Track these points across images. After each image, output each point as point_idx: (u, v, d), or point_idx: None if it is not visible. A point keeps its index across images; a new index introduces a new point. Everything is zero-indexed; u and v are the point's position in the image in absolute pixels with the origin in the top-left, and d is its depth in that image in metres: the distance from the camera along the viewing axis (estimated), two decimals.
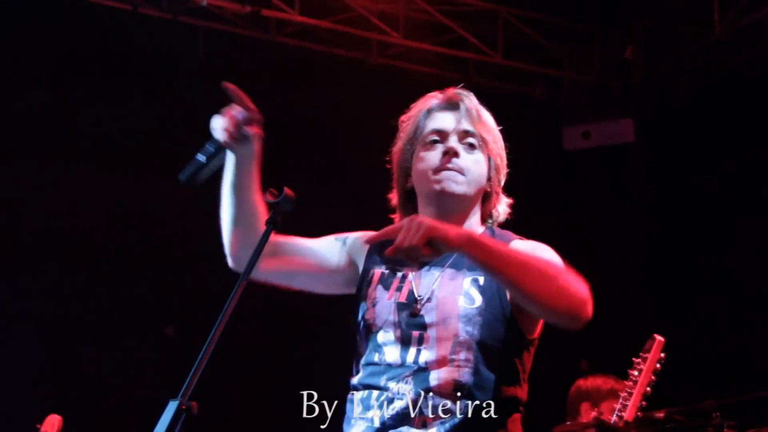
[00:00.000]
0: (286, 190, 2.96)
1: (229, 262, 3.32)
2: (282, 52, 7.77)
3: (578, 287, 2.90)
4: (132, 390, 6.45)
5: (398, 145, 3.24)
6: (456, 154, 3.10)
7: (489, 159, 3.16)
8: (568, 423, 5.70)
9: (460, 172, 3.11)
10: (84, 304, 7.22)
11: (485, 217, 3.22)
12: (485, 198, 3.21)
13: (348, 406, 3.12)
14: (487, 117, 3.22)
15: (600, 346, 7.39)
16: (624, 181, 8.30)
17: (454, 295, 3.01)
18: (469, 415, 2.96)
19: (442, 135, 3.14)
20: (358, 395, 3.07)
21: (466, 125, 3.16)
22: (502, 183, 3.22)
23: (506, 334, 3.02)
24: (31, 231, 7.10)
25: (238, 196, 3.24)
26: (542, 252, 3.03)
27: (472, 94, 3.24)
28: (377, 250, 3.23)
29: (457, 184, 3.12)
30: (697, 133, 7.99)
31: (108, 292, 7.31)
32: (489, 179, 3.17)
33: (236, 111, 3.13)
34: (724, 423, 4.88)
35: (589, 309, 2.92)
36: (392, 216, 3.31)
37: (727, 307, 7.51)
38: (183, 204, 7.51)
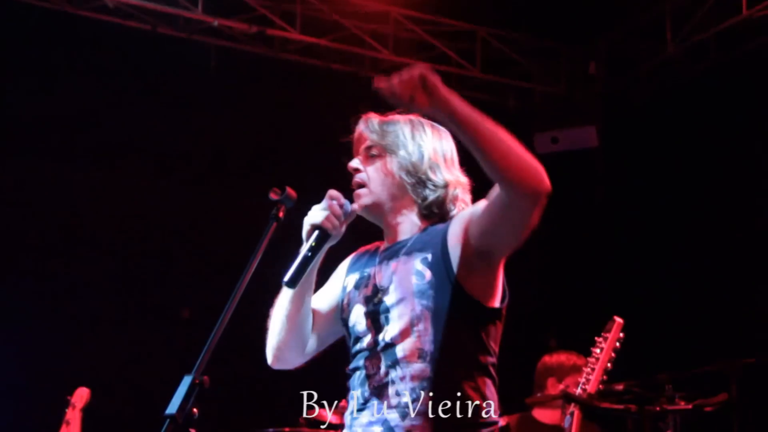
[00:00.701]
0: (288, 189, 2.96)
1: (271, 360, 3.21)
2: (285, 67, 7.76)
3: (536, 161, 2.79)
4: (151, 366, 6.44)
5: None
6: (355, 171, 3.13)
7: (395, 156, 3.12)
8: (538, 395, 5.71)
9: (362, 184, 3.11)
10: (109, 289, 7.22)
11: (422, 204, 3.13)
12: (418, 188, 3.13)
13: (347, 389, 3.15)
14: (389, 122, 3.17)
15: (567, 326, 7.41)
16: (589, 181, 8.31)
17: (408, 275, 3.01)
18: (435, 377, 2.93)
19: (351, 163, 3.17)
20: (350, 380, 3.10)
21: (366, 143, 3.17)
22: (429, 166, 3.11)
23: (458, 302, 2.97)
24: (61, 223, 7.09)
25: (305, 295, 3.14)
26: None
27: (374, 114, 3.20)
28: (352, 264, 3.25)
29: (361, 197, 3.13)
30: (653, 138, 8.01)
31: (130, 279, 7.31)
32: (408, 173, 3.11)
33: (336, 198, 3.05)
34: (675, 394, 4.89)
35: (546, 180, 2.81)
36: None
37: (678, 292, 7.53)
38: (197, 199, 7.53)
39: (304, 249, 2.99)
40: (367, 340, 3.03)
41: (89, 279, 7.14)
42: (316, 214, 3.03)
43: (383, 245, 3.23)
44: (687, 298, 7.44)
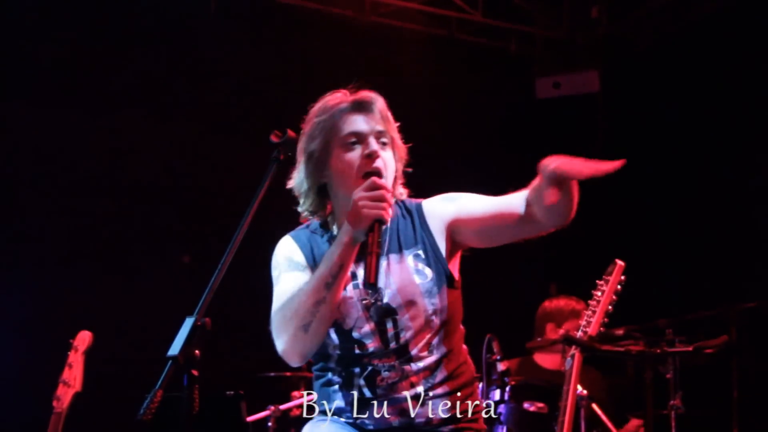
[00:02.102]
0: (289, 132, 2.96)
1: (296, 361, 3.04)
2: (283, 10, 7.68)
3: None
4: (153, 310, 6.45)
5: (314, 142, 3.11)
6: (378, 157, 3.05)
7: (395, 155, 3.13)
8: (539, 339, 5.73)
9: (382, 171, 3.04)
10: (112, 235, 7.21)
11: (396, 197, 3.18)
12: (397, 183, 3.18)
13: (321, 380, 3.14)
14: (390, 115, 3.16)
15: (568, 270, 7.42)
16: (590, 126, 8.27)
17: (409, 276, 3.05)
18: (444, 363, 3.08)
19: (360, 137, 3.06)
20: (336, 373, 3.09)
21: (379, 127, 3.09)
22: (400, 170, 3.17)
23: (452, 288, 3.11)
24: (64, 169, 7.07)
25: (339, 289, 2.98)
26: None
27: (376, 95, 3.16)
28: (308, 252, 3.19)
29: (387, 190, 3.06)
30: (654, 83, 7.97)
31: (133, 226, 7.30)
32: (395, 175, 3.15)
33: (385, 187, 2.96)
34: (675, 338, 4.91)
35: None
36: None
37: (679, 237, 7.53)
38: (199, 147, 7.50)
39: (375, 245, 2.84)
40: (374, 344, 3.05)
41: (92, 224, 7.13)
42: (374, 209, 2.88)
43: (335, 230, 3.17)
44: (688, 243, 7.44)
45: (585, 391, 5.17)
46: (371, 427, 3.05)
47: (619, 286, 4.37)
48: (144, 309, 6.84)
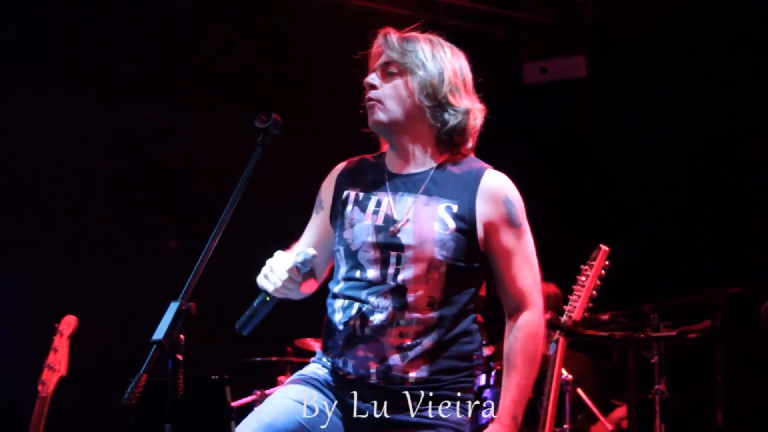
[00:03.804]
0: (275, 116, 2.95)
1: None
2: None
3: (542, 341, 3.14)
4: (140, 294, 6.45)
5: None
6: (371, 88, 3.10)
7: (415, 76, 3.08)
8: None
9: (378, 101, 3.07)
10: (99, 221, 7.21)
11: (441, 129, 3.12)
12: (437, 111, 3.10)
13: (329, 310, 3.13)
14: (409, 39, 3.14)
15: (553, 255, 7.41)
16: (576, 111, 8.28)
17: (430, 220, 3.00)
18: (440, 324, 3.00)
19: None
20: (339, 303, 3.08)
21: (383, 59, 3.13)
22: (449, 89, 3.10)
23: (472, 255, 3.05)
24: (48, 152, 7.04)
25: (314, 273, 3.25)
26: (525, 248, 3.16)
27: (389, 29, 3.18)
28: (346, 176, 3.22)
29: (375, 113, 3.11)
30: (641, 68, 7.98)
31: (119, 210, 7.29)
32: (427, 95, 3.08)
33: (298, 261, 3.03)
34: (660, 323, 4.93)
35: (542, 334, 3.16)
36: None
37: (663, 221, 7.56)
38: (184, 127, 7.48)
39: (256, 303, 3.06)
40: (374, 273, 3.03)
41: (78, 208, 7.12)
42: (268, 282, 3.03)
43: (388, 165, 3.19)
44: (673, 228, 7.47)
45: (570, 376, 5.20)
46: (350, 370, 3.03)
47: (603, 271, 4.39)
48: (130, 293, 6.84)
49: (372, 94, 3.11)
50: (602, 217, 7.77)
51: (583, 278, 4.34)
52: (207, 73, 7.46)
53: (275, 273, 3.00)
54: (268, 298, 3.03)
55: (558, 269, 5.70)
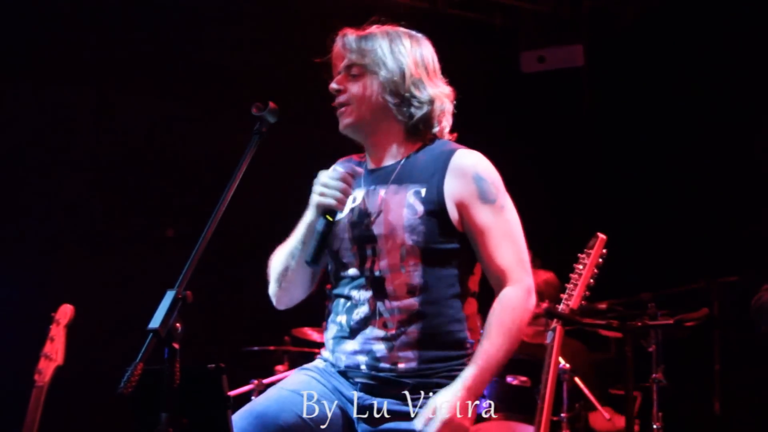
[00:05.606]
0: (271, 104, 2.95)
1: (278, 306, 3.31)
2: None
3: (523, 317, 3.00)
4: (137, 282, 6.44)
5: None
6: (337, 93, 3.16)
7: (376, 77, 3.11)
8: None
9: (345, 103, 3.14)
10: (95, 209, 7.20)
11: (408, 123, 3.15)
12: (402, 107, 3.12)
13: (328, 311, 3.18)
14: (366, 37, 3.17)
15: (550, 243, 7.41)
16: (574, 100, 8.27)
17: (399, 208, 3.02)
18: (423, 311, 3.00)
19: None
20: (333, 302, 3.13)
21: (345, 62, 3.18)
22: (411, 82, 3.12)
23: (448, 237, 3.03)
24: (44, 141, 7.03)
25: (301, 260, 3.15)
26: (504, 225, 3.04)
27: (346, 30, 3.23)
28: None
29: (344, 117, 3.16)
30: (639, 57, 7.97)
31: (116, 199, 7.28)
32: (391, 92, 3.11)
33: (347, 180, 3.04)
34: (658, 312, 4.93)
35: (529, 310, 3.04)
36: None
37: (661, 210, 7.56)
38: (181, 120, 7.47)
39: (320, 227, 3.01)
40: (354, 268, 3.07)
41: (74, 197, 7.10)
42: (323, 198, 3.02)
43: (367, 163, 3.23)
44: (671, 216, 7.47)
45: (567, 365, 5.20)
46: (342, 365, 3.06)
47: (600, 260, 4.37)
48: (127, 282, 6.84)
49: (339, 99, 3.14)
50: (600, 205, 7.77)
51: (581, 267, 4.33)
52: (202, 64, 7.44)
53: (331, 186, 3.01)
54: (330, 218, 3.00)
55: (555, 258, 5.71)
